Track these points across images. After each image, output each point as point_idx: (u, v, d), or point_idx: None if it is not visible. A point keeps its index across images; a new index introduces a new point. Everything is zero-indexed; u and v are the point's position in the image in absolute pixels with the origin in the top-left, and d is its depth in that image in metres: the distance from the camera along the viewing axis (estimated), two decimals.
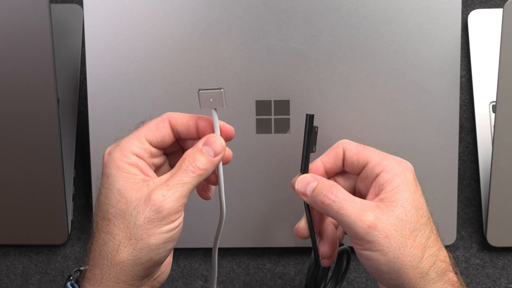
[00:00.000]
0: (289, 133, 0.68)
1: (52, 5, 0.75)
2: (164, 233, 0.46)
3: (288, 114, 0.67)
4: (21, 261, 0.74)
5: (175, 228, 0.47)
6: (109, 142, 0.68)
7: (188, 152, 0.48)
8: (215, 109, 0.49)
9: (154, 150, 0.50)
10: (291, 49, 0.67)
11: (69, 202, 0.73)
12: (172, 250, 0.53)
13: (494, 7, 0.77)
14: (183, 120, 0.50)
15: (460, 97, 0.75)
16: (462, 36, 0.74)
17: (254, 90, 0.67)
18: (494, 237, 0.70)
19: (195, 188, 0.51)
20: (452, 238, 0.70)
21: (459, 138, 0.72)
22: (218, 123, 0.50)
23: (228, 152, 0.51)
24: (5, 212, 0.71)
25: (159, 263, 0.48)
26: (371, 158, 0.51)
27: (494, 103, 0.73)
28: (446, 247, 0.72)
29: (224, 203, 0.52)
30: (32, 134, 0.69)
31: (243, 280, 0.73)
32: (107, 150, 0.49)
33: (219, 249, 0.72)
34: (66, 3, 0.78)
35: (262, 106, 0.68)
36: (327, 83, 0.67)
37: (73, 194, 0.75)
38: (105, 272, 0.46)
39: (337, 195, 0.49)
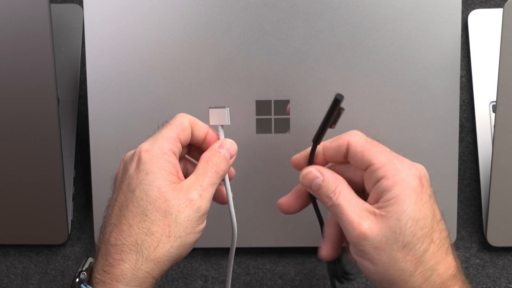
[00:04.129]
0: (289, 133, 0.68)
1: (52, 5, 0.75)
2: (197, 233, 0.49)
3: (288, 114, 0.67)
4: (21, 261, 0.74)
5: (202, 230, 0.50)
6: (109, 142, 0.69)
7: (208, 155, 0.52)
8: (222, 126, 0.54)
9: (181, 149, 0.52)
10: (291, 49, 0.67)
11: (69, 202, 0.73)
12: None
13: (494, 7, 0.77)
14: (199, 124, 0.53)
15: (460, 97, 0.75)
16: (462, 36, 0.74)
17: (254, 90, 0.67)
18: (494, 237, 0.70)
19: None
20: (452, 238, 0.70)
21: (459, 138, 0.72)
22: (223, 133, 0.54)
23: (231, 171, 0.55)
24: (5, 212, 0.71)
25: (180, 261, 0.50)
26: (374, 160, 0.49)
27: (494, 103, 0.73)
28: None
29: (235, 219, 0.55)
30: (32, 134, 0.69)
31: (243, 280, 0.73)
32: (144, 148, 0.50)
33: (219, 249, 0.73)
34: (66, 3, 0.78)
35: (262, 106, 0.68)
36: (327, 83, 0.67)
37: (73, 194, 0.75)
38: (139, 267, 0.47)
39: (338, 198, 0.49)
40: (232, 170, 0.55)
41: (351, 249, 0.49)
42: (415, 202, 0.47)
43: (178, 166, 0.51)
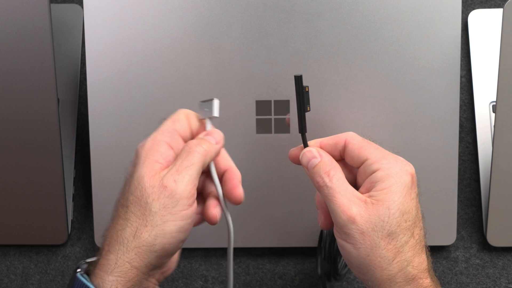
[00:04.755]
0: (289, 133, 0.68)
1: (52, 5, 0.75)
2: (178, 221, 0.48)
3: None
4: (21, 261, 0.74)
5: (188, 217, 0.49)
6: (109, 142, 0.69)
7: (191, 141, 0.51)
8: (209, 119, 0.53)
9: (179, 140, 0.52)
10: (291, 49, 0.67)
11: (69, 202, 0.73)
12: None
13: (494, 7, 0.77)
14: (193, 118, 0.53)
15: (460, 97, 0.75)
16: (462, 36, 0.74)
17: (254, 90, 0.67)
18: (494, 237, 0.70)
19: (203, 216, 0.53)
20: (452, 238, 0.70)
21: (459, 138, 0.72)
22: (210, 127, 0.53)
23: (239, 193, 0.53)
24: (5, 212, 0.71)
25: (170, 253, 0.49)
26: (371, 155, 0.51)
27: (494, 103, 0.73)
28: (446, 247, 0.72)
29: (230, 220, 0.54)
30: (32, 134, 0.69)
31: (243, 280, 0.73)
32: (140, 144, 0.51)
33: (219, 249, 0.73)
34: (66, 3, 0.78)
35: (262, 106, 0.68)
36: (327, 83, 0.67)
37: (73, 194, 0.75)
38: (120, 257, 0.48)
39: (331, 180, 0.50)
40: (241, 193, 0.53)
41: (336, 232, 0.50)
42: (405, 196, 0.49)
43: (168, 155, 0.50)
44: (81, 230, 0.75)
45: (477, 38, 0.75)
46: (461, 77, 0.75)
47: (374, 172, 0.50)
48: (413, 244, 0.49)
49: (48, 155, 0.69)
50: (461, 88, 0.74)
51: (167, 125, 0.51)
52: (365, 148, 0.52)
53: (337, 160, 0.54)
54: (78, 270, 0.50)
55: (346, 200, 0.49)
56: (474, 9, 0.76)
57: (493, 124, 0.73)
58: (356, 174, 0.54)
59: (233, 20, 0.67)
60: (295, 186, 0.69)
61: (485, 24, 0.76)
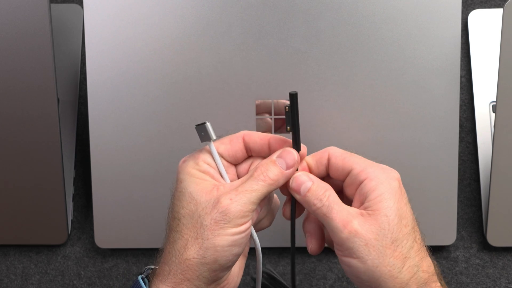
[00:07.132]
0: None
1: (52, 5, 0.75)
2: (229, 236, 0.48)
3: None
4: (21, 261, 0.74)
5: (240, 233, 0.48)
6: (109, 142, 0.69)
7: (262, 162, 0.51)
8: (211, 142, 0.51)
9: (225, 163, 0.52)
10: (291, 49, 0.67)
11: (69, 202, 0.73)
12: (242, 262, 0.54)
13: (494, 7, 0.77)
14: (256, 138, 0.52)
15: (460, 97, 0.75)
16: (462, 36, 0.74)
17: (254, 90, 0.67)
18: (494, 237, 0.70)
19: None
20: (452, 238, 0.70)
21: (459, 138, 0.72)
22: (217, 155, 0.51)
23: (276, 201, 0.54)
24: (5, 212, 0.71)
25: (225, 267, 0.49)
26: (355, 164, 0.51)
27: (494, 103, 0.73)
28: (446, 247, 0.72)
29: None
30: (32, 134, 0.69)
31: (243, 280, 0.73)
32: (183, 159, 0.52)
33: None
34: (66, 3, 0.78)
35: (262, 106, 0.68)
36: (327, 83, 0.67)
37: (73, 194, 0.75)
38: (173, 268, 0.49)
39: (328, 199, 0.49)
40: (277, 200, 0.54)
41: (339, 251, 0.49)
42: (398, 201, 0.49)
43: (216, 174, 0.51)
44: (81, 230, 0.75)
45: (477, 38, 0.75)
46: (461, 77, 0.75)
47: (361, 182, 0.50)
48: (418, 249, 0.49)
49: (48, 155, 0.69)
50: (461, 88, 0.74)
51: (212, 145, 0.51)
52: (348, 159, 0.51)
53: (324, 176, 0.53)
54: (141, 274, 0.52)
55: (345, 215, 0.48)
56: (474, 9, 0.76)
57: (493, 124, 0.73)
58: (343, 188, 0.53)
59: (233, 20, 0.67)
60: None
61: (485, 24, 0.76)
